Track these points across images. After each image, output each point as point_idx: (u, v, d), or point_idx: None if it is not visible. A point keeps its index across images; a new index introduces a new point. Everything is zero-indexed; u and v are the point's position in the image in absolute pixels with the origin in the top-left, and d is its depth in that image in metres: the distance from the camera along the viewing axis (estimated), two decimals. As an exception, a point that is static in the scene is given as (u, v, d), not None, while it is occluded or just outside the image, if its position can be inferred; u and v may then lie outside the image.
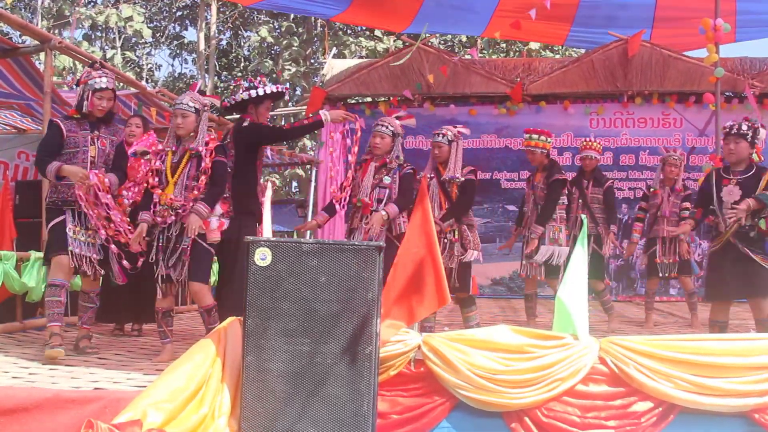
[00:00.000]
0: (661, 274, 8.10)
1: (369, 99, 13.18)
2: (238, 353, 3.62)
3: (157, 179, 5.37)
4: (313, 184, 13.03)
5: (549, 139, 7.25)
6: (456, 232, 6.31)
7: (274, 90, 6.04)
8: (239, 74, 26.38)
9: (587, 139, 8.30)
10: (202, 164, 5.32)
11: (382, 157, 6.11)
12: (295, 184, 25.91)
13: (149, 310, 7.08)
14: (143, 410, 3.35)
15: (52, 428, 3.49)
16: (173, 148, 5.42)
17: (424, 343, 3.86)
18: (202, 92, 5.66)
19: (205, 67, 24.85)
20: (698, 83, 11.59)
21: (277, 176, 23.88)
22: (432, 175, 6.41)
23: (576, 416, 3.76)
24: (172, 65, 44.97)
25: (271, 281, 3.52)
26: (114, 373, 4.59)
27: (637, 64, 11.83)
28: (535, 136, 7.21)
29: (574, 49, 20.26)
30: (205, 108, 5.44)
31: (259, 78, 6.11)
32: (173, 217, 5.27)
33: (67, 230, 5.34)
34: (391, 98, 12.52)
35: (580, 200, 7.96)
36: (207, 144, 5.37)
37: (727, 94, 11.64)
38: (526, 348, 3.83)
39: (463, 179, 6.35)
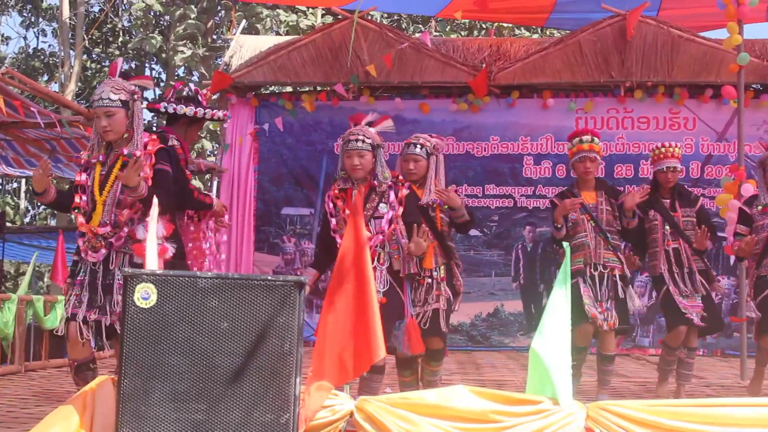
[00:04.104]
0: None
1: (289, 89, 13.17)
2: (110, 424, 3.58)
3: (84, 198, 5.33)
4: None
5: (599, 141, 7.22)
6: (443, 269, 6.36)
7: (220, 116, 6.47)
8: (117, 52, 26.15)
9: (663, 144, 7.76)
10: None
11: (366, 180, 6.12)
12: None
13: None
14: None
15: None
16: (100, 158, 5.39)
17: (358, 409, 3.86)
18: (125, 75, 5.55)
19: (71, 41, 24.60)
20: (716, 73, 11.79)
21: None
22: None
23: (556, 505, 3.79)
24: (25, 38, 44.20)
25: (156, 328, 3.49)
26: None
27: (638, 48, 12.00)
28: (587, 138, 7.07)
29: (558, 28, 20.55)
30: (135, 96, 5.37)
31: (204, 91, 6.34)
32: (104, 250, 5.26)
33: None
34: (319, 90, 12.57)
35: (667, 227, 7.62)
36: (146, 146, 5.33)
37: (753, 86, 11.95)
38: (491, 415, 3.84)
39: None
